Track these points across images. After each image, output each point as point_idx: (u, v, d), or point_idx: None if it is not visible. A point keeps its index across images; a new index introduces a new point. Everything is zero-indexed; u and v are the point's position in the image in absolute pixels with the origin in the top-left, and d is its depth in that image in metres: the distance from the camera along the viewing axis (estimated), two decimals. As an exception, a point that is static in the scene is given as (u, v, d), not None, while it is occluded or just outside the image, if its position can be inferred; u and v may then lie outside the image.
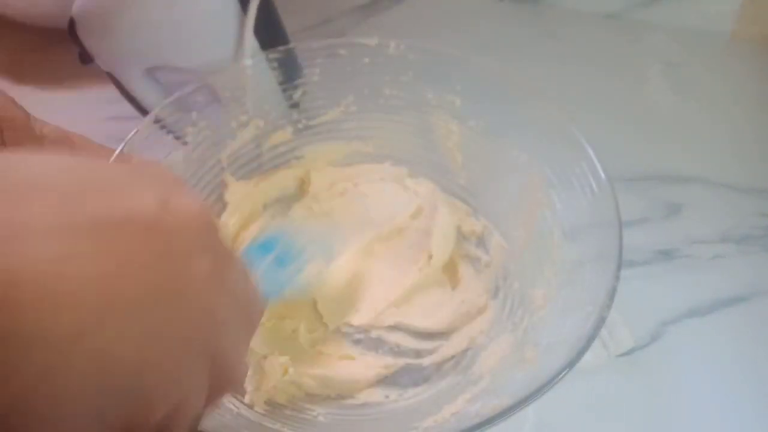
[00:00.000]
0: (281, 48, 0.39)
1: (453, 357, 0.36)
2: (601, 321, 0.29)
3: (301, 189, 0.42)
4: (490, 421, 0.27)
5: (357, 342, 0.37)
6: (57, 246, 0.16)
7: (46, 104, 0.50)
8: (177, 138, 0.37)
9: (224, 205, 0.40)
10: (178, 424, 0.20)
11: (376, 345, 0.37)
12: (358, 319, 0.37)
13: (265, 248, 0.29)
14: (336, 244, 0.36)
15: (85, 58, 0.44)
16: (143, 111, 0.44)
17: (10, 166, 0.17)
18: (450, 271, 0.39)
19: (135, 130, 0.34)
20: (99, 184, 0.18)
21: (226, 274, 0.21)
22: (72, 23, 0.42)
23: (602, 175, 0.33)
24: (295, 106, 0.41)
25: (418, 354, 0.36)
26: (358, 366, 0.36)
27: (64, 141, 0.34)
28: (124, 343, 0.17)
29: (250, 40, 0.40)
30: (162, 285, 0.18)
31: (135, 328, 0.17)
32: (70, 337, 0.16)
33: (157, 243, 0.18)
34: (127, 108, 0.45)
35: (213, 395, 0.21)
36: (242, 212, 0.40)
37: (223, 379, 0.21)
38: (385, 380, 0.36)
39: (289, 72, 0.40)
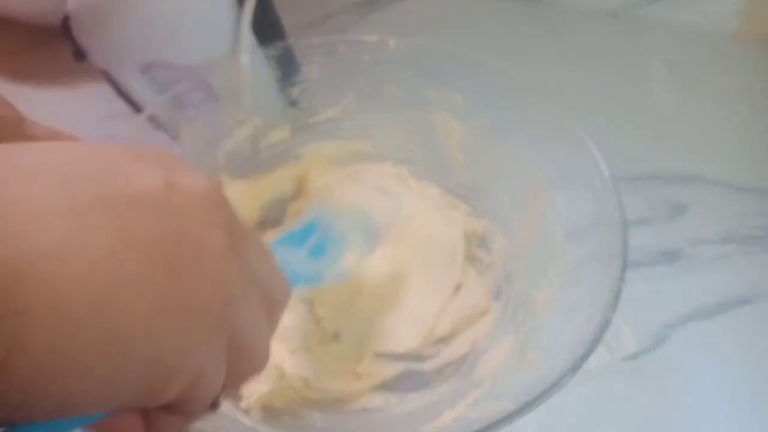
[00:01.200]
0: (279, 44, 0.39)
1: (454, 361, 0.36)
2: (605, 323, 0.29)
3: (300, 189, 0.42)
4: (492, 425, 0.26)
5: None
6: (60, 227, 0.16)
7: (40, 102, 0.50)
8: (172, 136, 0.37)
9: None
10: (195, 401, 0.19)
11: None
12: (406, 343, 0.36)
13: (303, 235, 0.29)
14: (376, 234, 0.35)
15: (79, 55, 0.43)
16: (138, 109, 0.44)
17: (9, 152, 0.17)
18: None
19: (129, 128, 0.34)
20: (102, 165, 0.18)
21: (242, 250, 0.20)
22: (66, 20, 0.42)
23: (605, 174, 0.33)
24: (293, 103, 0.41)
25: (419, 358, 0.36)
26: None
27: (58, 140, 0.33)
28: (133, 317, 0.17)
29: (247, 36, 0.39)
30: (171, 259, 0.18)
31: (144, 302, 0.17)
32: (77, 316, 0.16)
33: (165, 219, 0.18)
34: (122, 106, 0.44)
35: (233, 379, 0.21)
36: (239, 212, 0.40)
37: (242, 362, 0.21)
38: (386, 385, 0.35)
39: (287, 69, 0.39)
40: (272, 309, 0.23)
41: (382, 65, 0.39)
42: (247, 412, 0.32)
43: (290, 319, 0.36)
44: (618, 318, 0.30)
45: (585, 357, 0.28)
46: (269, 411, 0.33)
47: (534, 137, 0.37)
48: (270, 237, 0.40)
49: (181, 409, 0.20)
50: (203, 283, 0.18)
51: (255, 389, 0.33)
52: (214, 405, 0.21)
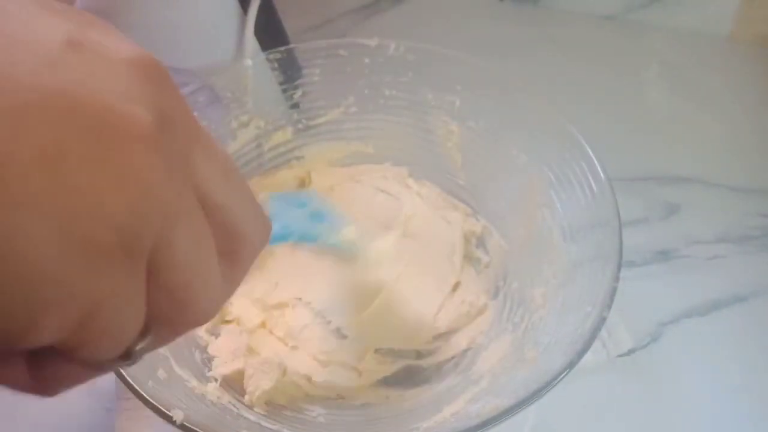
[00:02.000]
0: (281, 48, 0.39)
1: (453, 357, 0.36)
2: (600, 321, 0.29)
3: (302, 189, 0.43)
4: (491, 421, 0.27)
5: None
6: None
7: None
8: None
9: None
10: (92, 345, 0.15)
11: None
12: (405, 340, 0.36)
13: (301, 199, 0.27)
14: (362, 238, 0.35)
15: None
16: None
17: None
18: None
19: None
20: None
21: (182, 148, 0.15)
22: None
23: (602, 175, 0.33)
24: (295, 106, 0.41)
25: (419, 354, 0.36)
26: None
27: None
28: None
29: (251, 41, 0.40)
30: (54, 138, 0.13)
31: (5, 197, 0.13)
32: None
33: (55, 82, 0.13)
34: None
35: (160, 327, 0.16)
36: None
37: (172, 306, 0.16)
38: (386, 381, 0.36)
39: (289, 72, 0.40)
40: (235, 248, 0.17)
41: (381, 68, 0.40)
42: (250, 407, 0.33)
43: (293, 317, 0.37)
44: (614, 316, 0.31)
45: (581, 354, 0.28)
46: (272, 406, 0.34)
47: (531, 139, 0.37)
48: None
49: (76, 355, 0.15)
50: (103, 178, 0.13)
51: (258, 385, 0.33)
52: (128, 355, 0.16)
